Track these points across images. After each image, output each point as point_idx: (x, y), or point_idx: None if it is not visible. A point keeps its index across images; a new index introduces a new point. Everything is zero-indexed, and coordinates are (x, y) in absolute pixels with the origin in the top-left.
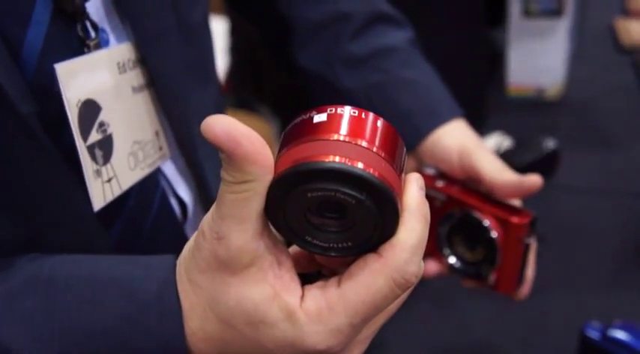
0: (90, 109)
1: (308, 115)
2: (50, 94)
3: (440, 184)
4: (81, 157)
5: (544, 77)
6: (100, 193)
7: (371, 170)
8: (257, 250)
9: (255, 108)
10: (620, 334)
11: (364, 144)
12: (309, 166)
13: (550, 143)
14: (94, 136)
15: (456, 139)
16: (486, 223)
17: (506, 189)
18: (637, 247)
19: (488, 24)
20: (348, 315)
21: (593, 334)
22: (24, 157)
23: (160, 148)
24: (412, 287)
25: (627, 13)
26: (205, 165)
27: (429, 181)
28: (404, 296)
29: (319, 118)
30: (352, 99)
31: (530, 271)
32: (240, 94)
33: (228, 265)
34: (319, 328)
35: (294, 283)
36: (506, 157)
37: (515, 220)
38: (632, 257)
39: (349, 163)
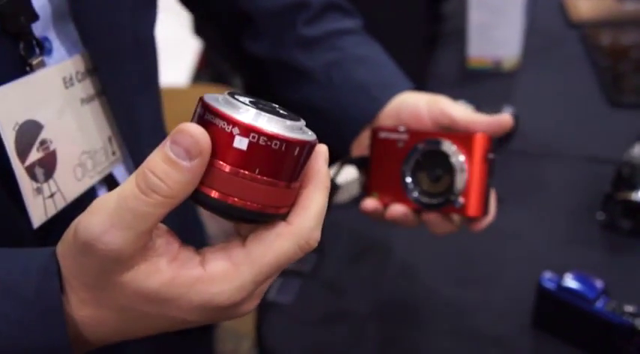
0: (30, 130)
1: (226, 127)
2: None
3: (402, 128)
4: (18, 178)
5: (501, 50)
6: (41, 210)
7: (242, 202)
8: (141, 248)
9: (230, 81)
10: (572, 284)
11: (246, 173)
12: (198, 196)
13: (508, 110)
14: (35, 155)
15: (420, 96)
16: (451, 146)
17: (481, 125)
18: (587, 206)
19: None
20: (253, 273)
21: (549, 284)
22: None
23: (113, 153)
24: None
25: None
26: None
27: (390, 128)
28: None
29: (236, 143)
30: (311, 78)
31: (492, 200)
32: (217, 68)
33: (119, 267)
34: (225, 286)
35: (189, 256)
36: None
37: (478, 135)
38: (583, 216)
39: (223, 200)
